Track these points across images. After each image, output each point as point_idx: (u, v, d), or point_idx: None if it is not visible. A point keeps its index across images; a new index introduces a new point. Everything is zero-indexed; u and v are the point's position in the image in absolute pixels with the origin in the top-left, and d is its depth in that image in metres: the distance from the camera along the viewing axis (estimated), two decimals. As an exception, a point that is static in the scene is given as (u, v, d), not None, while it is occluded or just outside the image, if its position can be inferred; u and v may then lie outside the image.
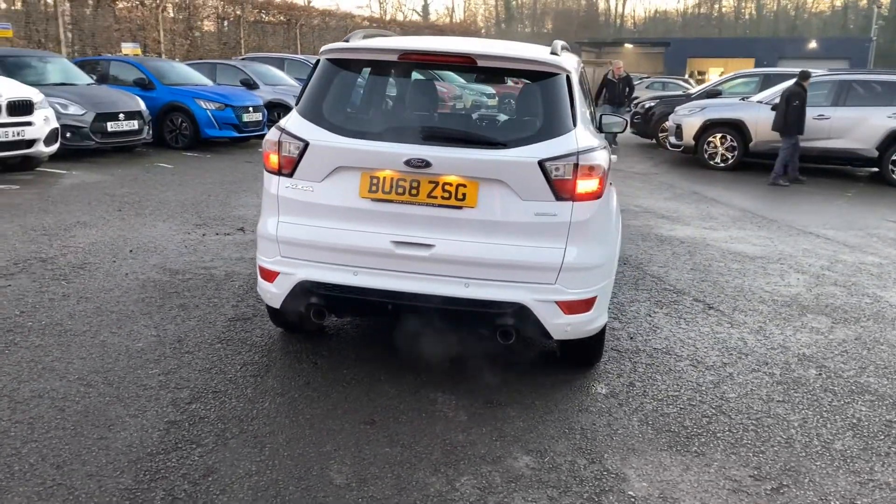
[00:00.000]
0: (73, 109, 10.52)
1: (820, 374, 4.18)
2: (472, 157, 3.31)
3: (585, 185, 3.36)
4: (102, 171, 10.04)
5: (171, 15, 19.57)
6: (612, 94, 14.84)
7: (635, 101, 16.56)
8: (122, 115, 11.07)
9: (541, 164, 3.28)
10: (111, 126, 10.90)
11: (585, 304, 3.50)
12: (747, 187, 11.30)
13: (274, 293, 3.62)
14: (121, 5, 18.22)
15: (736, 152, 12.86)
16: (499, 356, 4.08)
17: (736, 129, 12.81)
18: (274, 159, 3.53)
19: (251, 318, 4.58)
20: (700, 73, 45.97)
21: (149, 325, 4.40)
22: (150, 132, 11.72)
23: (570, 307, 3.44)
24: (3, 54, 11.53)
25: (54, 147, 9.53)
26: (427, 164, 3.30)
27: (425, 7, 66.35)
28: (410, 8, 64.44)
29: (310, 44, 25.98)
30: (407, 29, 33.99)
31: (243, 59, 17.90)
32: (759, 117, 12.49)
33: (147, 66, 13.21)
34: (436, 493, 2.85)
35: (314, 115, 3.51)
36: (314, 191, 3.46)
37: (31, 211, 7.35)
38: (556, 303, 3.40)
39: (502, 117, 3.69)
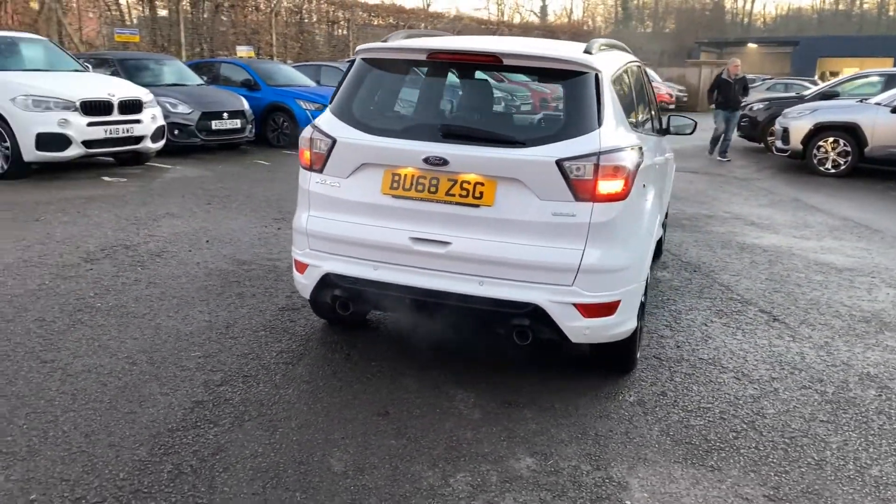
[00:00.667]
0: (182, 108, 11.21)
1: (879, 395, 3.89)
2: (488, 156, 3.31)
3: (607, 186, 3.29)
4: (204, 167, 10.65)
5: (284, 19, 20.48)
6: (727, 95, 13.75)
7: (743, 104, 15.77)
8: (225, 114, 11.70)
9: (559, 163, 3.24)
10: (215, 124, 11.54)
11: (607, 308, 3.42)
12: (857, 195, 10.57)
13: (304, 284, 3.76)
14: (242, 10, 19.21)
15: (849, 158, 12.06)
16: (528, 358, 4.06)
17: (850, 132, 12.01)
18: (307, 155, 3.67)
19: (300, 308, 4.75)
20: (832, 74, 43.24)
21: (204, 310, 4.65)
22: (253, 130, 12.31)
23: (589, 310, 3.37)
24: (124, 58, 12.44)
25: (160, 143, 10.20)
26: (445, 162, 3.33)
27: (543, 8, 65.96)
28: (528, 9, 64.07)
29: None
30: (518, 31, 33.89)
31: (348, 60, 18.42)
32: (876, 120, 11.67)
33: (254, 68, 13.88)
34: (428, 486, 2.88)
35: (344, 113, 3.62)
36: (340, 186, 3.57)
37: (130, 202, 7.90)
38: (574, 305, 3.34)
39: (526, 116, 3.66)
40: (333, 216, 3.61)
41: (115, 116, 9.28)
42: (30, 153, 8.68)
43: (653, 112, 4.99)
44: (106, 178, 9.28)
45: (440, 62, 3.62)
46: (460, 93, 3.75)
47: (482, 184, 3.34)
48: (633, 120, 4.06)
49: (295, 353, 4.07)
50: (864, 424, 3.56)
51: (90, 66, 10.84)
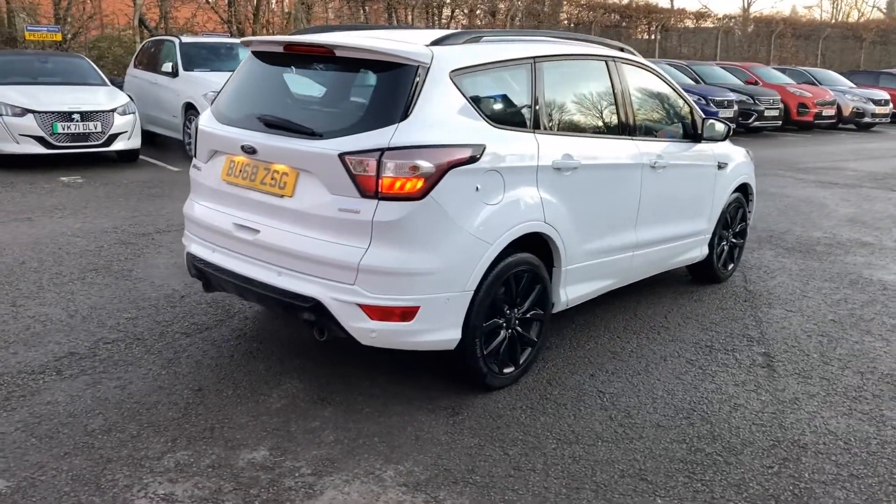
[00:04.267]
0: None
1: (770, 468, 3.13)
2: (286, 147, 3.32)
3: (396, 184, 3.11)
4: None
5: (520, 23, 20.79)
6: None
7: None
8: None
9: (341, 157, 3.13)
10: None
11: (400, 313, 3.22)
12: None
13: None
14: (475, 14, 20.01)
15: None
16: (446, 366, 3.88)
17: None
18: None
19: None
20: None
21: (187, 282, 5.15)
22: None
23: (377, 313, 3.20)
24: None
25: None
26: (254, 151, 3.41)
27: (891, 3, 57.86)
28: (871, 5, 56.07)
29: (674, 49, 25.07)
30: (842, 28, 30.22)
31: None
32: None
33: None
34: (142, 456, 2.99)
35: (216, 103, 3.85)
36: (202, 171, 3.81)
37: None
38: (359, 305, 3.20)
39: (344, 108, 3.51)
40: (197, 199, 3.87)
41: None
42: (213, 141, 10.12)
43: (633, 116, 4.39)
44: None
45: (290, 54, 3.66)
46: (294, 84, 3.73)
47: (287, 174, 3.35)
48: (516, 117, 3.69)
49: (203, 326, 4.39)
50: (690, 492, 2.90)
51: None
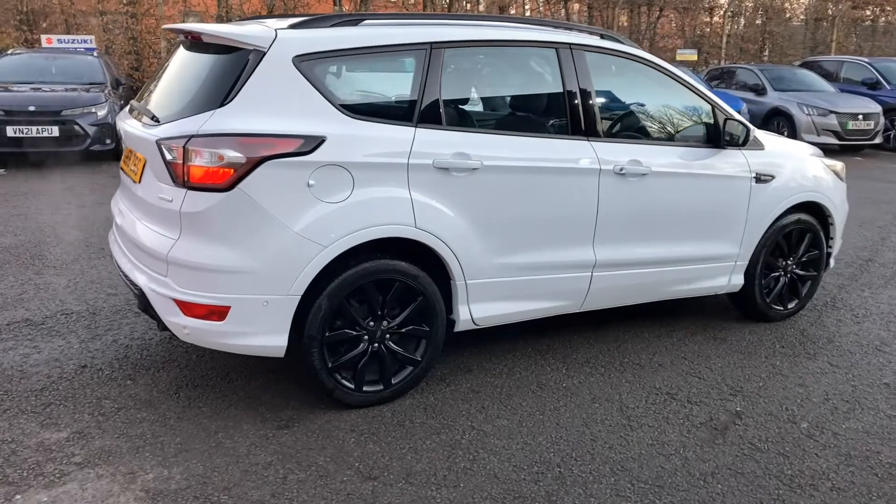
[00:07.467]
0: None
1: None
2: (133, 133, 3.31)
3: (202, 173, 2.95)
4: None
5: (744, 20, 18.70)
6: None
7: None
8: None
9: (158, 143, 3.04)
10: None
11: (211, 312, 3.04)
12: None
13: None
14: (690, 13, 18.39)
15: None
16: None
17: None
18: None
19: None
20: None
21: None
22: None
23: (187, 308, 3.06)
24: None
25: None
26: (121, 138, 3.44)
27: None
28: None
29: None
30: None
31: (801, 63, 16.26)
32: None
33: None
34: (-36, 420, 3.18)
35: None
36: (121, 163, 3.93)
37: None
38: (173, 299, 3.09)
39: (184, 93, 3.29)
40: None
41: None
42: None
43: (592, 113, 3.71)
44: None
45: (191, 42, 3.60)
46: (180, 70, 3.59)
47: (140, 161, 3.33)
48: (390, 110, 3.32)
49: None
50: None
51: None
